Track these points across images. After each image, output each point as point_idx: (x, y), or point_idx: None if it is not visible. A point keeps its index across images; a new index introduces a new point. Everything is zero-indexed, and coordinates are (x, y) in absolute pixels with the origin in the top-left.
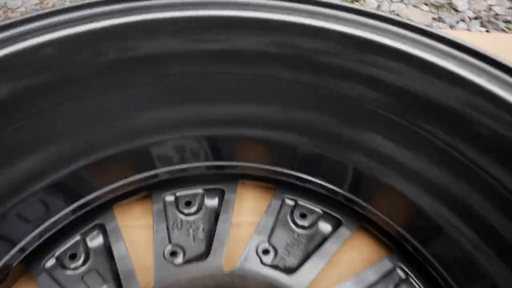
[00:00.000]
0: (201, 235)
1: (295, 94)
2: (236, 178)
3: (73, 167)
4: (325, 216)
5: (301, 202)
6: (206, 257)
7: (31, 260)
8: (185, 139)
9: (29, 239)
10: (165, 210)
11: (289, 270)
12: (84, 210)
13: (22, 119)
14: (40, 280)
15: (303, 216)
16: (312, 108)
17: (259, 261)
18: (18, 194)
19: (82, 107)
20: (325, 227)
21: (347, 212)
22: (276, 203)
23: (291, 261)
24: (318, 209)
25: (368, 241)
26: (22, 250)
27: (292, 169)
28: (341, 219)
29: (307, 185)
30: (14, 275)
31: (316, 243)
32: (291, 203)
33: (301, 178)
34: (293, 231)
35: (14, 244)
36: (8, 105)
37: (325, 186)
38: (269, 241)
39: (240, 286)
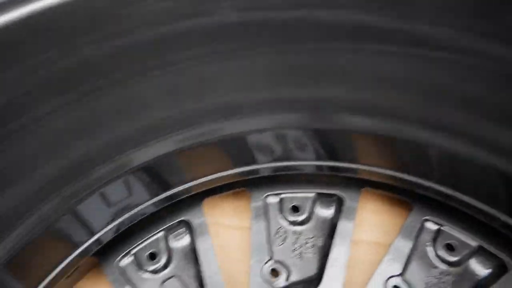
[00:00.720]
0: (310, 251)
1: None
2: (358, 184)
3: (165, 149)
4: (481, 253)
5: (447, 228)
6: (318, 282)
7: (105, 255)
8: (288, 130)
9: (107, 229)
10: (266, 214)
11: None
12: (170, 203)
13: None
14: (112, 280)
15: (449, 248)
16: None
17: None
18: (104, 176)
19: (180, 74)
20: (479, 268)
21: None
22: (412, 225)
23: None
24: (471, 241)
25: None
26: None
27: (432, 180)
28: (504, 260)
29: (453, 204)
30: (84, 268)
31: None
32: (433, 227)
33: (445, 194)
34: (435, 267)
35: (92, 233)
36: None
37: (481, 209)
38: (402, 275)
39: None
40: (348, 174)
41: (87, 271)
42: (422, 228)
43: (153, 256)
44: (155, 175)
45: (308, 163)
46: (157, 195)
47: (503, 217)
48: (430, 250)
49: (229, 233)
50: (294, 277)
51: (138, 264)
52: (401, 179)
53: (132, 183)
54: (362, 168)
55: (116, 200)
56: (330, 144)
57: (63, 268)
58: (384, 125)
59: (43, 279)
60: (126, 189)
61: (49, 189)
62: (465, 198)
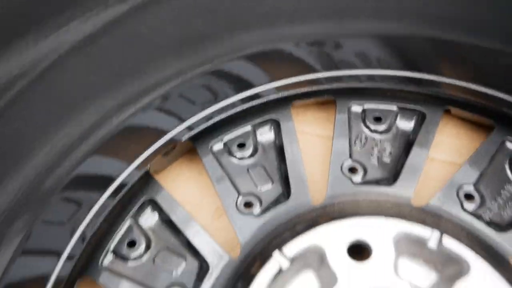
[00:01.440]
0: (387, 158)
1: None
2: (441, 103)
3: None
4: None
5: None
6: (391, 183)
7: (199, 140)
8: (364, 38)
9: (196, 119)
10: (349, 121)
11: (497, 226)
12: (257, 102)
13: None
14: (206, 161)
15: None
16: None
17: (459, 205)
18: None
19: None
20: None
21: None
22: (492, 145)
23: (500, 216)
24: None
25: None
26: (189, 128)
27: None
28: None
29: None
30: (182, 150)
31: None
32: None
33: None
34: (510, 181)
35: (181, 120)
36: None
37: None
38: (475, 185)
39: (431, 225)
40: (431, 88)
41: (184, 153)
42: (501, 148)
43: (242, 145)
44: (241, 73)
45: (390, 73)
46: (242, 91)
47: None
48: (507, 168)
49: (312, 140)
50: (369, 176)
51: (228, 151)
52: (485, 95)
53: (211, 82)
54: (445, 81)
55: (199, 99)
56: (413, 53)
57: (159, 147)
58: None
59: (139, 155)
60: (207, 89)
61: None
62: None
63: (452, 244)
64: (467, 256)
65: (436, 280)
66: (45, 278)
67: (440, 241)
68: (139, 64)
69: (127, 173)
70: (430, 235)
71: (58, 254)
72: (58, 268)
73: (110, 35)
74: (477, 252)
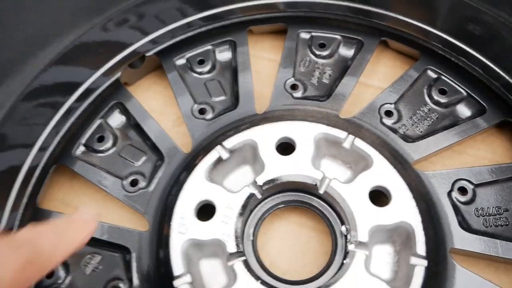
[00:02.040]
0: (326, 80)
1: None
2: (379, 33)
3: None
4: (468, 100)
5: (445, 77)
6: (325, 100)
7: (165, 56)
8: None
9: (160, 33)
10: (296, 46)
11: (408, 138)
12: (217, 24)
13: None
14: (170, 77)
15: (442, 92)
16: None
17: (379, 119)
18: None
19: None
20: (463, 111)
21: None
22: (415, 72)
23: (413, 131)
24: (462, 90)
25: None
26: (154, 41)
27: (443, 31)
28: (486, 107)
29: (455, 60)
30: (150, 64)
31: (447, 124)
32: (433, 75)
33: (449, 43)
34: (426, 104)
35: (145, 34)
36: None
37: (484, 63)
38: (395, 104)
39: (352, 133)
40: (375, 22)
41: (152, 69)
42: (423, 75)
43: (201, 62)
44: None
45: (340, 3)
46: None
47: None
48: (425, 91)
49: (266, 63)
50: (308, 93)
51: (190, 67)
52: (415, 27)
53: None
54: (384, 13)
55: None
56: None
57: (123, 57)
58: None
59: (104, 63)
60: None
61: None
62: (473, 52)
63: (362, 145)
64: (372, 154)
65: (348, 175)
66: (17, 169)
67: (353, 142)
68: None
69: (93, 79)
70: (345, 137)
71: (29, 147)
72: (30, 159)
73: None
74: (383, 154)
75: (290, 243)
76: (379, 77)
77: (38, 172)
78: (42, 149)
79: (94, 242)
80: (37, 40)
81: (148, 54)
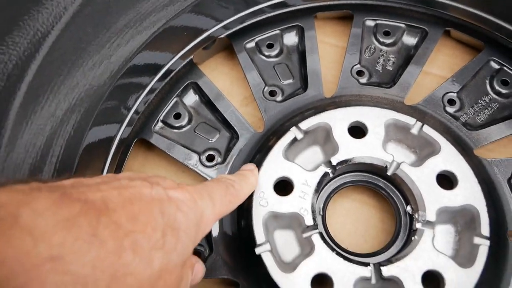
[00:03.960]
0: (390, 67)
1: None
2: (443, 23)
3: None
4: None
5: (508, 68)
6: (390, 86)
7: (235, 39)
8: None
9: (231, 20)
10: (362, 33)
11: (469, 126)
12: (285, 10)
13: None
14: (241, 59)
15: (504, 83)
16: None
17: (442, 107)
18: None
19: None
20: None
21: None
22: (478, 62)
23: (474, 120)
24: None
25: None
26: (225, 27)
27: (508, 22)
28: None
29: None
30: (219, 46)
31: (507, 114)
32: (495, 66)
33: None
34: (487, 94)
35: (218, 21)
36: None
37: None
38: (457, 93)
39: (417, 119)
40: (436, 9)
41: (221, 50)
42: (486, 66)
43: (270, 45)
44: None
45: None
46: None
47: None
48: (487, 82)
49: (329, 49)
50: (373, 80)
51: (259, 50)
52: (480, 18)
53: None
54: (449, 3)
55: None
56: None
57: (199, 41)
58: None
59: (183, 48)
60: None
61: None
62: None
63: (430, 132)
64: (440, 141)
65: (414, 159)
66: (112, 139)
67: (421, 128)
68: None
69: (172, 62)
70: (414, 124)
71: (120, 122)
72: (120, 132)
73: None
74: (451, 142)
75: (353, 219)
76: (438, 65)
77: (124, 145)
78: (129, 124)
79: None
80: (135, 24)
81: (220, 37)
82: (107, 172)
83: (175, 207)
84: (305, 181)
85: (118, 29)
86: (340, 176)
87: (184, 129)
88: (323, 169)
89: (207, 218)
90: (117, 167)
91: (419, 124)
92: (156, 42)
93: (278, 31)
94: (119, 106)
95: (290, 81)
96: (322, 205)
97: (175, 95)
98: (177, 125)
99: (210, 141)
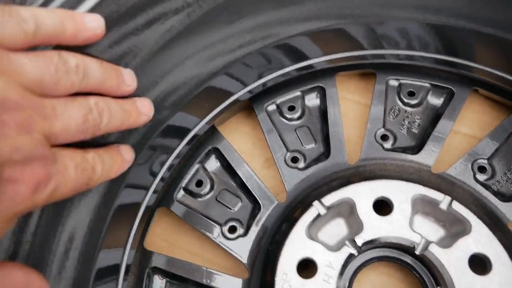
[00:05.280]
0: (415, 129)
1: None
2: (470, 83)
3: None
4: None
5: None
6: (416, 152)
7: (256, 101)
8: (409, 22)
9: (256, 85)
10: (386, 93)
11: (502, 196)
12: (308, 71)
13: None
14: (261, 118)
15: None
16: None
17: (472, 175)
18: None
19: None
20: None
21: None
22: (510, 123)
23: (507, 188)
24: None
25: None
26: (250, 91)
27: None
28: None
29: None
30: (241, 107)
31: None
32: None
33: None
34: None
35: (245, 85)
36: None
37: None
38: (489, 159)
39: (445, 190)
40: (462, 70)
41: (241, 110)
42: None
43: (292, 108)
44: (297, 48)
45: (428, 55)
46: (297, 62)
47: None
48: None
49: (351, 105)
50: (398, 144)
51: (280, 112)
52: (510, 81)
53: (276, 52)
54: (476, 66)
55: (257, 67)
56: (450, 41)
57: (226, 106)
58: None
59: (210, 112)
60: (265, 58)
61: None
62: None
63: (459, 208)
64: (470, 219)
65: (443, 236)
66: (139, 205)
67: (450, 204)
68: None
69: (199, 127)
70: (443, 199)
71: (146, 189)
72: (147, 198)
73: None
74: (480, 216)
75: None
76: (467, 123)
77: (148, 212)
78: (155, 191)
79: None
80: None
81: (242, 99)
82: (133, 238)
83: None
84: (329, 263)
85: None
86: (366, 252)
87: (206, 197)
88: (348, 249)
89: None
90: (136, 237)
91: (448, 199)
92: (192, 104)
93: (299, 93)
94: (148, 170)
95: (312, 145)
96: (348, 283)
97: (197, 161)
98: (199, 193)
99: (232, 210)
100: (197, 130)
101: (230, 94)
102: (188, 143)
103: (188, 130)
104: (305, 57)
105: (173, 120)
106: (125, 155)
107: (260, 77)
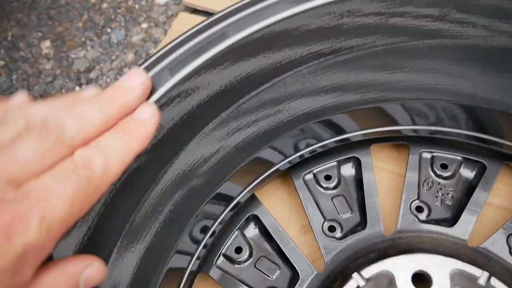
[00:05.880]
0: (449, 201)
1: None
2: (501, 157)
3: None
4: None
5: None
6: (451, 224)
7: (294, 170)
8: (441, 102)
9: (294, 156)
10: (419, 165)
11: None
12: (344, 143)
13: None
14: (298, 186)
15: None
16: None
17: (508, 250)
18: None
19: None
20: None
21: None
22: None
23: None
24: None
25: None
26: (289, 162)
27: None
28: None
29: None
30: (277, 174)
31: None
32: None
33: None
34: None
35: (286, 157)
36: None
37: None
38: None
39: (482, 264)
40: (493, 147)
41: (278, 176)
42: None
43: (328, 178)
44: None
45: (459, 131)
46: (336, 136)
47: None
48: None
49: (385, 174)
50: (433, 216)
51: (317, 181)
52: None
53: (317, 127)
54: (506, 143)
55: (304, 137)
56: (478, 119)
57: (267, 175)
58: None
59: (253, 182)
60: (315, 129)
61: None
62: None
63: (497, 284)
64: None
65: None
66: (183, 270)
67: (488, 280)
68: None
69: (242, 195)
70: (481, 274)
71: (191, 255)
72: (190, 265)
73: None
74: None
75: None
76: (499, 195)
77: (191, 278)
78: (198, 258)
79: None
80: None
81: (282, 169)
82: None
83: None
84: None
85: None
86: None
87: (245, 264)
88: None
89: None
90: None
91: (486, 275)
92: (239, 173)
93: (335, 163)
94: (196, 235)
95: (349, 214)
96: None
97: (237, 227)
98: (238, 259)
99: (270, 278)
100: (240, 198)
101: (272, 164)
102: (230, 210)
103: (232, 198)
104: (342, 132)
105: (222, 188)
106: (144, 114)
107: (299, 149)
